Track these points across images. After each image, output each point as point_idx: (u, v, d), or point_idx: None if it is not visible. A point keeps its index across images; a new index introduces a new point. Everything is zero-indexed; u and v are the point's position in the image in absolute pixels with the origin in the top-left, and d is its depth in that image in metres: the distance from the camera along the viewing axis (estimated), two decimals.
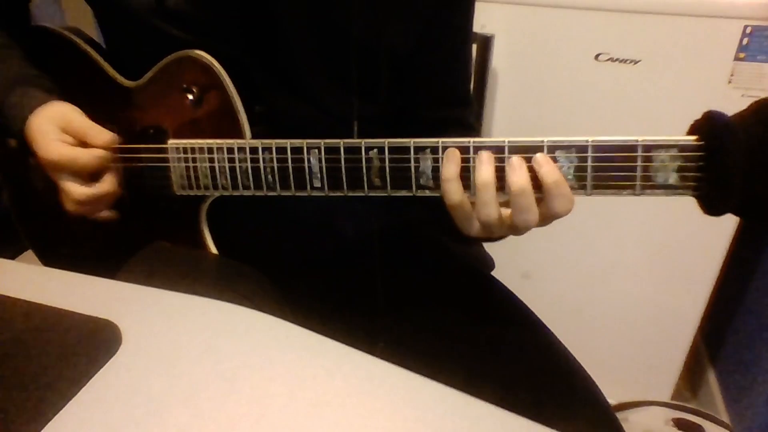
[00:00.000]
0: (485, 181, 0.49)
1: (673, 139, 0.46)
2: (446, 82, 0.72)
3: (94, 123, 0.63)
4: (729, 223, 1.19)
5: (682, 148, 0.45)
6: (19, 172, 0.76)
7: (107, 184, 0.63)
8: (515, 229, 0.51)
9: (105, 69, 0.69)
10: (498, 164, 0.50)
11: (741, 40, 1.03)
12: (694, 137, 0.45)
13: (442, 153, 0.52)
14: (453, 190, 0.51)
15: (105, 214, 0.67)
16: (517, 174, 0.49)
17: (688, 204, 0.48)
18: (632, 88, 1.13)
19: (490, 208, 0.50)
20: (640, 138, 0.46)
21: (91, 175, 0.63)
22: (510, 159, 0.49)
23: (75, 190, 0.62)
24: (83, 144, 0.62)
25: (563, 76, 1.17)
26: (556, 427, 0.43)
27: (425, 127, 0.73)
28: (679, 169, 0.46)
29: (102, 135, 0.62)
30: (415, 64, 0.69)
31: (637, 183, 0.47)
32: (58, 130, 0.61)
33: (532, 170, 0.49)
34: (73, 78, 0.71)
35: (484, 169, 0.49)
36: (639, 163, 0.47)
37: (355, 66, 0.63)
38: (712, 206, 0.46)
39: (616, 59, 1.12)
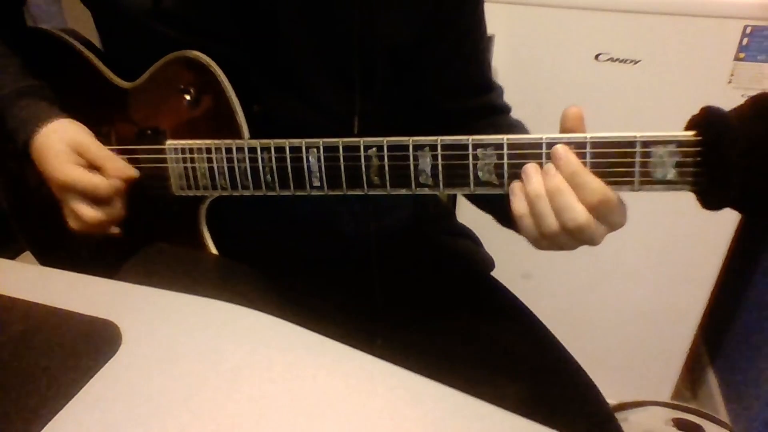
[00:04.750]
0: (537, 193, 0.48)
1: (671, 134, 0.46)
2: (462, 72, 0.70)
3: (110, 152, 0.64)
4: (729, 222, 1.19)
5: (681, 143, 0.45)
6: (15, 174, 0.76)
7: (116, 209, 0.64)
8: (574, 234, 0.48)
9: (101, 70, 0.69)
10: (536, 160, 0.50)
11: (741, 40, 1.03)
12: (692, 132, 0.45)
13: (441, 150, 0.52)
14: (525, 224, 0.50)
15: (113, 230, 0.67)
16: (532, 182, 0.48)
17: (689, 204, 0.48)
18: (632, 88, 1.13)
19: (548, 218, 0.48)
20: (638, 134, 0.46)
21: (106, 200, 0.63)
22: (524, 168, 0.49)
23: (86, 212, 0.62)
24: (95, 169, 0.62)
25: (563, 76, 1.17)
26: (555, 428, 0.43)
27: (452, 118, 0.71)
28: (678, 165, 0.46)
29: (122, 169, 0.63)
30: (422, 56, 0.68)
31: (636, 179, 0.47)
32: (71, 151, 0.61)
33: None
34: (70, 80, 0.71)
35: (534, 180, 0.49)
36: (637, 158, 0.47)
37: (357, 61, 0.63)
38: (710, 201, 0.46)
39: (616, 59, 1.12)
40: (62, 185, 0.61)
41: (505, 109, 0.74)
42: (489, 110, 0.72)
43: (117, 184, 0.62)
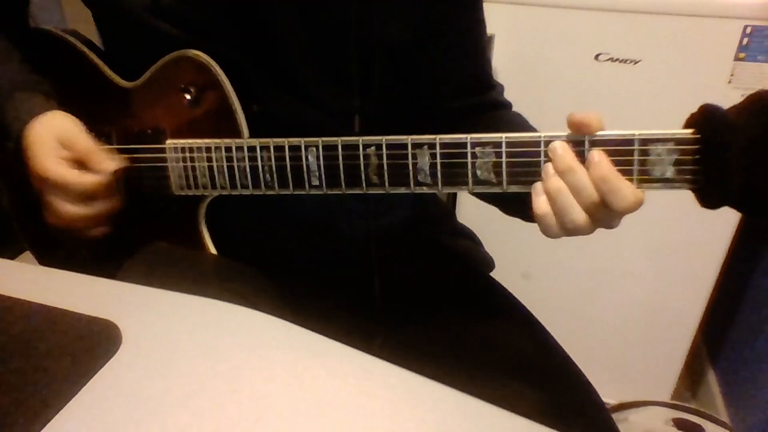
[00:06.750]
0: (557, 188, 0.47)
1: (669, 132, 0.46)
2: (464, 70, 0.70)
3: (96, 145, 0.62)
4: (729, 222, 1.19)
5: (679, 141, 0.45)
6: (17, 173, 0.76)
7: (99, 205, 0.62)
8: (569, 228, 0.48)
9: (103, 70, 0.69)
10: (535, 158, 0.49)
11: (741, 40, 1.03)
12: (690, 130, 0.45)
13: (440, 149, 0.52)
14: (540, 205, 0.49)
15: (94, 231, 0.66)
16: (551, 180, 0.48)
17: (689, 204, 0.48)
18: (632, 88, 1.13)
19: (573, 210, 0.48)
20: (636, 132, 0.46)
21: (82, 196, 0.61)
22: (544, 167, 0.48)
23: (62, 208, 0.61)
24: (82, 164, 0.61)
25: (563, 76, 1.17)
26: (552, 427, 0.43)
27: (454, 117, 0.71)
28: (676, 163, 0.46)
29: (105, 162, 0.61)
30: (421, 55, 0.68)
31: (634, 177, 0.47)
32: (58, 144, 0.61)
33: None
34: (72, 80, 0.71)
35: (553, 180, 0.48)
36: (636, 156, 0.47)
37: (354, 61, 0.63)
38: (708, 199, 0.46)
39: (616, 59, 1.12)
40: (41, 180, 0.60)
41: (507, 105, 0.74)
42: (490, 106, 0.72)
43: (97, 179, 0.60)
